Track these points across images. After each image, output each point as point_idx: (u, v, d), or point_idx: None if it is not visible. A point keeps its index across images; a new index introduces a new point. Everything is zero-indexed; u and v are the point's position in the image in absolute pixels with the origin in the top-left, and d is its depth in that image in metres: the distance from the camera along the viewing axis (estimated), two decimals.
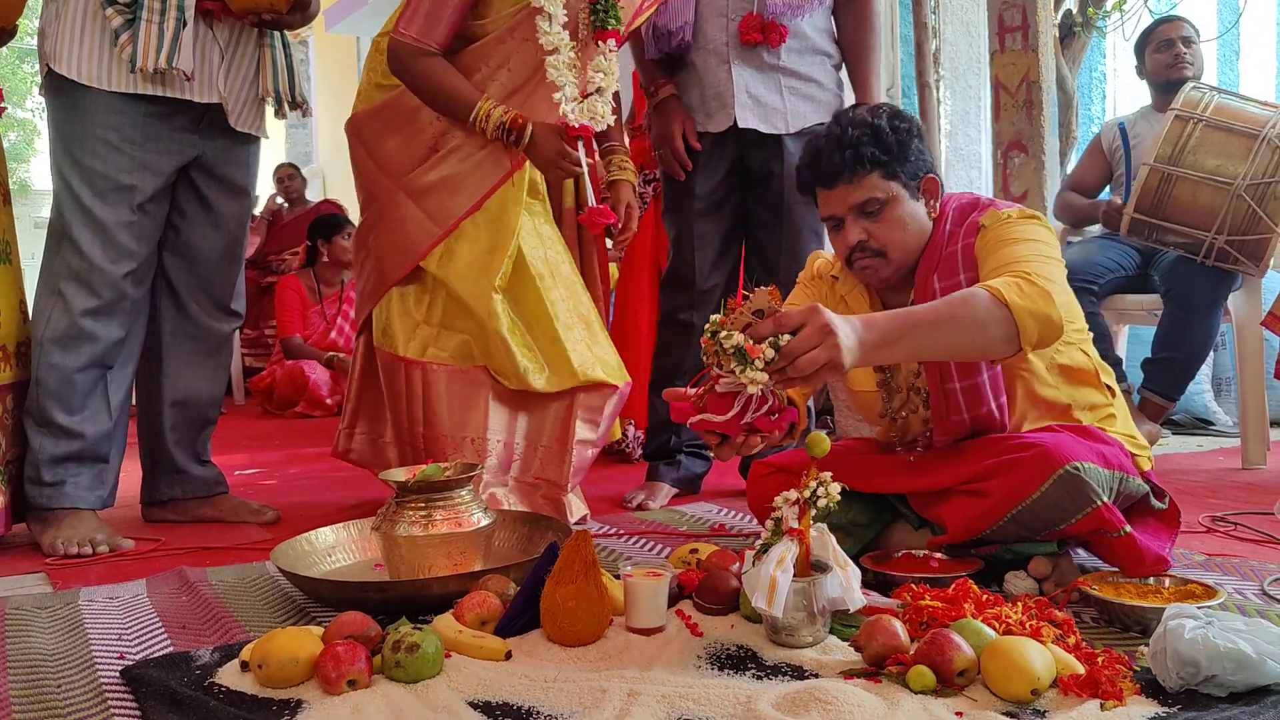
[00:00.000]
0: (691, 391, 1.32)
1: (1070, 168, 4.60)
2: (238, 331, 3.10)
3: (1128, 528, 1.57)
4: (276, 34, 2.38)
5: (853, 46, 2.55)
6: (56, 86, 2.20)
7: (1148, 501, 1.66)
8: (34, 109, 19.10)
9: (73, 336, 2.18)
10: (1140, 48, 3.41)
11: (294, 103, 2.41)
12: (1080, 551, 1.74)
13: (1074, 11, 4.85)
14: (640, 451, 3.08)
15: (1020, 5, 3.48)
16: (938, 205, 1.73)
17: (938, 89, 4.97)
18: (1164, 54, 3.33)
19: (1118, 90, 5.55)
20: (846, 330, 1.32)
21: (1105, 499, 1.54)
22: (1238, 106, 2.84)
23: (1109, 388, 1.77)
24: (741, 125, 2.45)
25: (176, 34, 2.14)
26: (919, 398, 1.78)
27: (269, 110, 2.44)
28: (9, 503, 2.18)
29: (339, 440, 2.50)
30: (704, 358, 1.30)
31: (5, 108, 2.41)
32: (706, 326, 1.32)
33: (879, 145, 1.64)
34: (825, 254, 1.95)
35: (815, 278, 1.91)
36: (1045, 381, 1.72)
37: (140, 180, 2.21)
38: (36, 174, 18.99)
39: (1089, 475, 1.53)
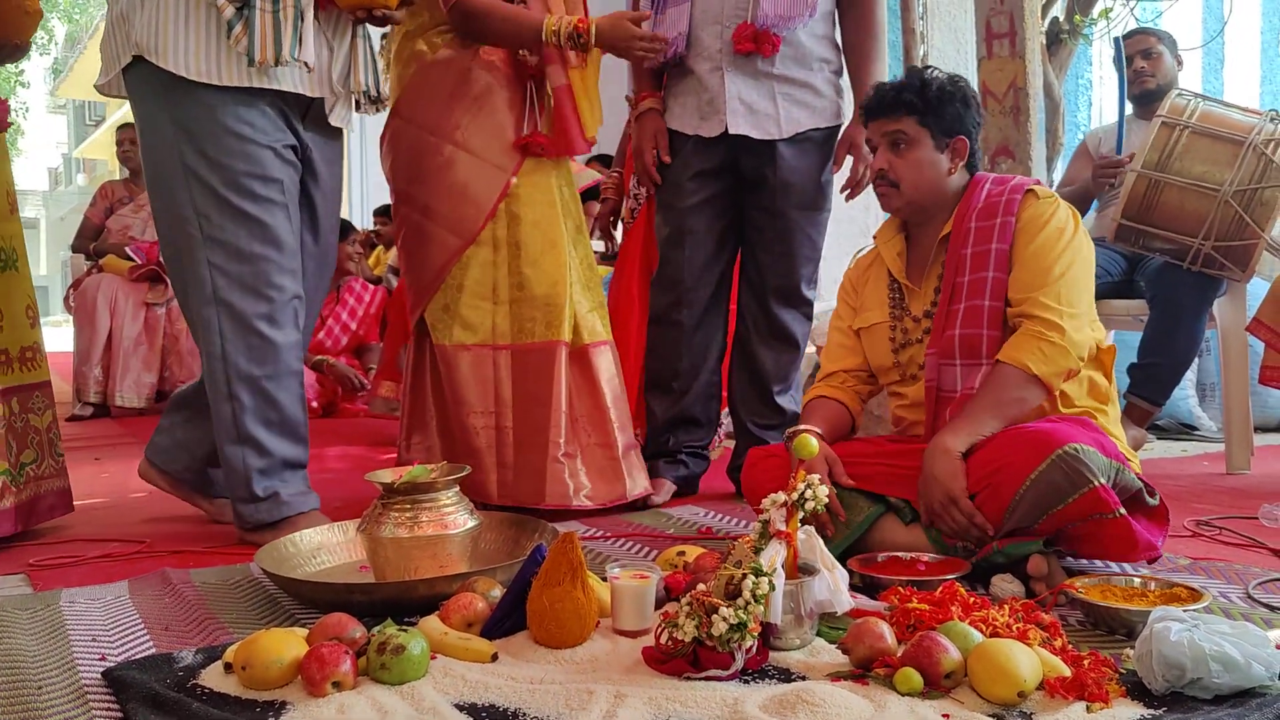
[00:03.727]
0: (664, 640, 1.31)
1: (1057, 174, 4.62)
2: None
3: (1122, 510, 1.59)
4: (368, 26, 2.23)
5: (853, 51, 2.55)
6: (163, 82, 2.02)
7: (1141, 498, 1.68)
8: (18, 108, 18.97)
9: (253, 346, 2.07)
10: (1115, 62, 3.48)
11: (378, 98, 2.28)
12: (1069, 559, 1.75)
13: (1061, 19, 4.88)
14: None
15: (1007, 12, 3.50)
16: (960, 165, 1.93)
17: None
18: (1126, 71, 3.40)
19: (1104, 97, 5.58)
20: (932, 481, 1.72)
21: (1102, 480, 1.58)
22: (1223, 113, 2.86)
23: (1108, 387, 1.89)
24: (733, 131, 2.45)
25: (296, 24, 1.98)
26: (920, 328, 1.95)
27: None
28: (18, 505, 2.16)
29: (400, 453, 2.60)
30: (705, 639, 1.26)
31: (13, 123, 2.35)
32: (687, 624, 1.27)
33: (920, 96, 1.88)
34: (861, 254, 2.15)
35: (851, 281, 2.12)
36: None
37: (283, 173, 2.09)
38: (17, 175, 18.92)
39: (1087, 456, 1.59)
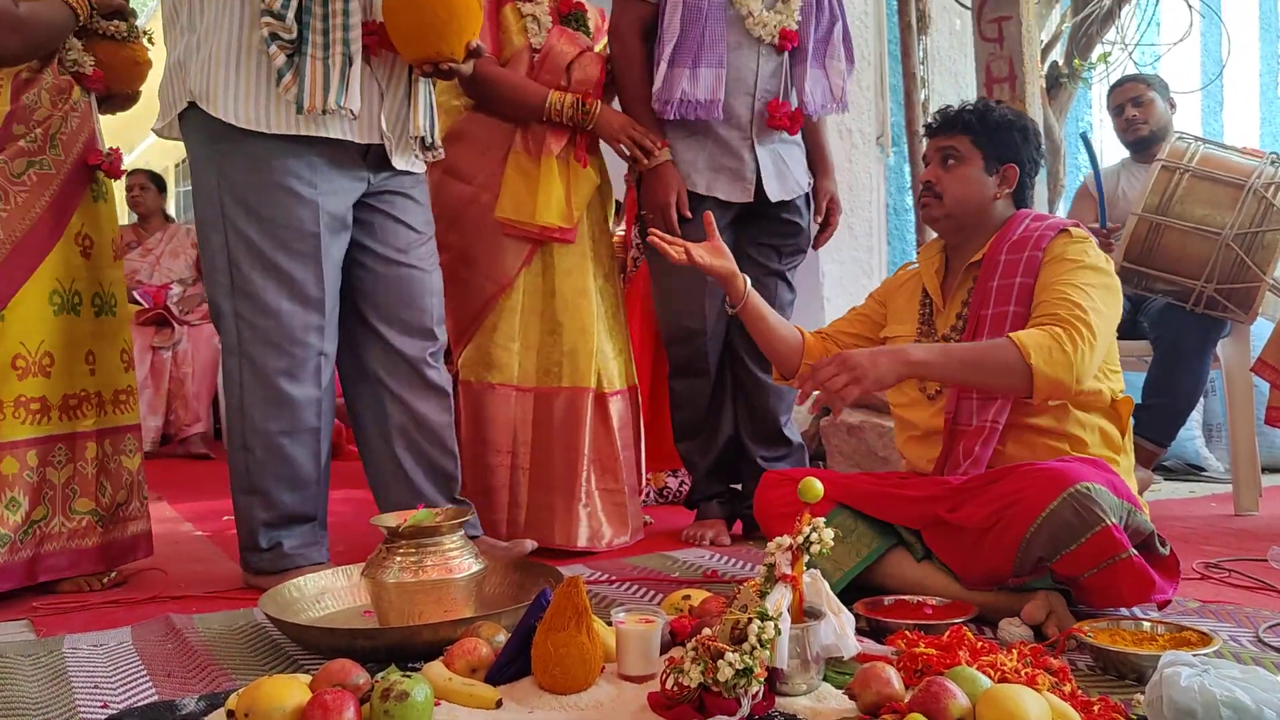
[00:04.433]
0: (670, 685, 1.29)
1: (1059, 216, 4.65)
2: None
3: (1133, 551, 1.58)
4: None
5: (810, 136, 2.72)
6: (213, 130, 2.03)
7: (1152, 544, 1.67)
8: None
9: (270, 401, 2.07)
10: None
11: (433, 145, 2.22)
12: (1081, 607, 1.74)
13: (1060, 63, 4.93)
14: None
15: (1007, 56, 3.54)
16: (1007, 193, 1.98)
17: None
18: (1118, 119, 3.49)
19: (1104, 139, 5.63)
20: (870, 356, 1.71)
21: (1113, 520, 1.58)
22: (1223, 156, 2.88)
23: (1122, 439, 1.88)
24: (773, 199, 2.56)
25: (344, 71, 1.98)
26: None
27: None
28: (103, 545, 2.19)
29: None
30: (711, 684, 1.24)
31: (126, 171, 2.34)
32: (692, 670, 1.25)
33: (979, 118, 1.97)
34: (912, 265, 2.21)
35: (888, 284, 2.19)
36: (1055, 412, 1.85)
37: (322, 226, 2.07)
38: None
39: (1099, 495, 1.58)
